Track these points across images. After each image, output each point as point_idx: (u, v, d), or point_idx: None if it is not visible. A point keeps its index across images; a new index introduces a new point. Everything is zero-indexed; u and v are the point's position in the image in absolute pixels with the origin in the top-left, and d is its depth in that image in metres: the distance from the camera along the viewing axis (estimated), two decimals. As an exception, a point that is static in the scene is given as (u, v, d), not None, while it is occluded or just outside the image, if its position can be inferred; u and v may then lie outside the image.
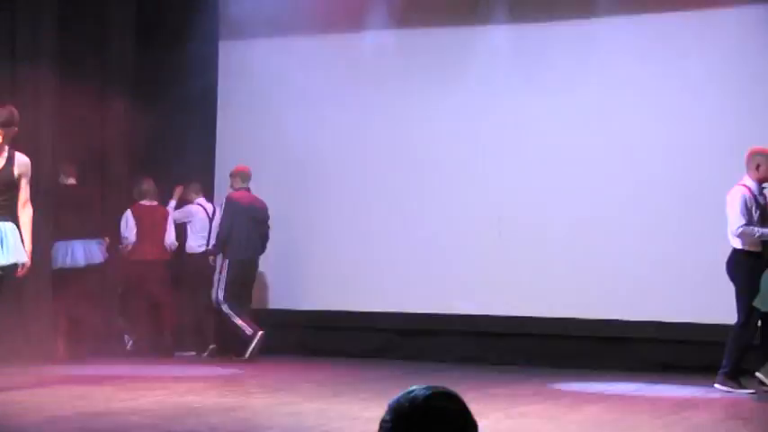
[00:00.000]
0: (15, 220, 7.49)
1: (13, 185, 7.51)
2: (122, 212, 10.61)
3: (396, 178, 10.54)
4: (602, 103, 9.95)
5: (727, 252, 8.51)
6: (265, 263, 10.70)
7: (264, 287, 10.91)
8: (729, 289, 9.31)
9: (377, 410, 2.60)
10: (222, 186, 11.06)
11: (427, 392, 2.52)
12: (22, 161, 7.57)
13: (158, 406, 7.08)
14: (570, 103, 10.02)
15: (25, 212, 7.57)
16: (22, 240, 7.51)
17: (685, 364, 9.45)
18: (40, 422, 6.40)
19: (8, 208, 7.50)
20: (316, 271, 10.68)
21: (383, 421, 2.52)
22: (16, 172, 7.52)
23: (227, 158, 11.07)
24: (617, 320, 9.72)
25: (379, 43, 10.60)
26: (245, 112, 11.10)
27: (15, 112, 7.57)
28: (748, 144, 9.46)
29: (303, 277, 10.74)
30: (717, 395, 8.04)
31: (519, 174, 10.14)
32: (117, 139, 10.67)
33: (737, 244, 8.30)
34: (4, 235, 7.41)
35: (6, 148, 7.54)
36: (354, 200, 10.66)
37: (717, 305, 9.37)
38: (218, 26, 11.25)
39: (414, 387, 2.55)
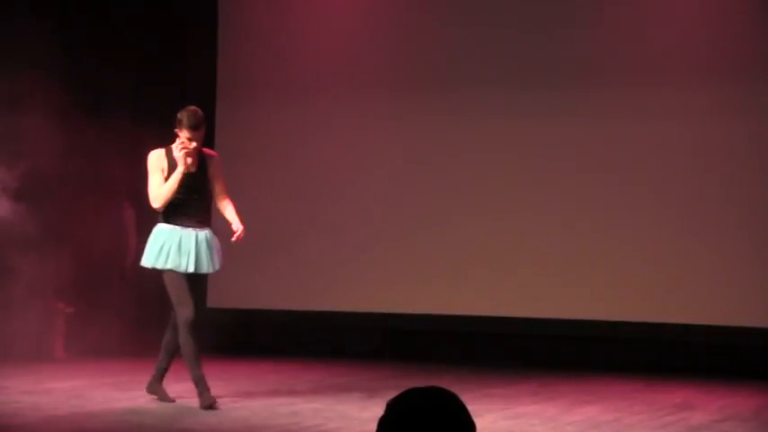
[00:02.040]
0: (209, 224, 7.36)
1: (208, 186, 7.28)
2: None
3: (393, 181, 10.54)
4: (597, 104, 9.95)
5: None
6: (263, 264, 10.70)
7: (262, 288, 10.90)
8: (726, 290, 9.36)
9: (375, 410, 2.61)
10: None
11: (425, 392, 2.52)
12: (212, 159, 7.31)
13: (156, 406, 7.09)
14: (566, 102, 10.02)
15: (228, 206, 7.33)
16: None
17: (683, 364, 9.46)
18: (36, 422, 6.39)
19: (202, 210, 7.32)
20: (313, 272, 10.67)
21: (381, 421, 2.52)
22: (209, 170, 7.27)
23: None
24: (615, 321, 9.72)
25: (385, 53, 10.63)
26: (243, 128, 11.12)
27: (200, 111, 7.18)
28: (742, 143, 9.48)
29: (300, 278, 10.73)
30: (715, 396, 8.04)
31: (516, 175, 10.14)
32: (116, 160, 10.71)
33: None
34: (208, 244, 7.19)
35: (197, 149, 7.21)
36: (352, 202, 10.66)
37: (714, 306, 9.39)
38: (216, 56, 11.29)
39: (412, 387, 2.56)
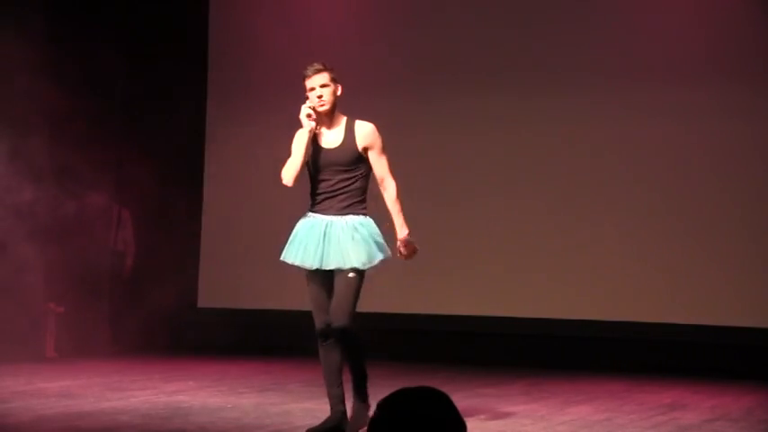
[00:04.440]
0: (363, 210, 6.01)
1: (359, 163, 6.00)
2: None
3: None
4: (594, 105, 9.96)
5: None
6: (253, 264, 10.69)
7: (253, 288, 10.89)
8: (719, 290, 9.38)
9: (366, 410, 2.60)
10: (212, 210, 11.06)
11: (416, 392, 2.53)
12: (364, 132, 6.00)
13: (147, 405, 7.08)
14: (563, 104, 10.03)
15: (387, 190, 6.06)
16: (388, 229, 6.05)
17: (674, 364, 9.48)
18: (27, 421, 6.38)
19: (352, 194, 6.01)
20: (302, 272, 10.65)
21: (372, 421, 2.52)
22: (360, 145, 5.98)
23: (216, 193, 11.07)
24: (606, 321, 9.73)
25: (381, 55, 10.63)
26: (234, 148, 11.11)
27: (324, 63, 6.10)
28: (738, 144, 9.49)
29: (290, 278, 10.70)
30: (706, 396, 8.06)
31: (509, 175, 10.15)
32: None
33: None
34: (347, 234, 5.93)
35: (343, 119, 6.07)
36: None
37: (706, 306, 9.41)
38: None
39: (403, 387, 2.56)
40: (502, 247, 10.09)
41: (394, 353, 10.25)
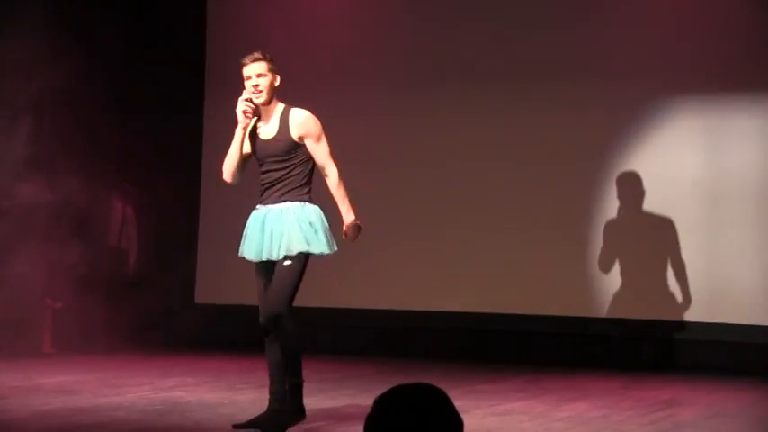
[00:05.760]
0: (301, 197, 5.96)
1: (295, 151, 5.93)
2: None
3: (385, 179, 10.53)
4: (590, 98, 9.96)
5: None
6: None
7: (252, 284, 10.86)
8: (716, 287, 9.37)
9: (363, 407, 2.60)
10: (209, 206, 11.06)
11: (413, 389, 2.53)
12: (298, 120, 5.91)
13: (144, 401, 7.08)
14: (559, 96, 10.03)
15: (329, 177, 6.00)
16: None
17: (672, 361, 9.48)
18: (25, 417, 6.39)
19: (289, 183, 5.95)
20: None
21: (369, 417, 2.52)
22: (294, 134, 5.91)
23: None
24: (603, 318, 9.73)
25: (378, 49, 10.62)
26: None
27: (263, 53, 6.06)
28: (737, 142, 9.48)
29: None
30: (702, 392, 8.06)
31: (506, 171, 10.14)
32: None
33: None
34: (284, 223, 5.86)
35: (280, 108, 6.00)
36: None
37: (703, 304, 9.41)
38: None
39: (400, 384, 2.56)
40: (498, 244, 10.08)
41: (391, 350, 10.26)
